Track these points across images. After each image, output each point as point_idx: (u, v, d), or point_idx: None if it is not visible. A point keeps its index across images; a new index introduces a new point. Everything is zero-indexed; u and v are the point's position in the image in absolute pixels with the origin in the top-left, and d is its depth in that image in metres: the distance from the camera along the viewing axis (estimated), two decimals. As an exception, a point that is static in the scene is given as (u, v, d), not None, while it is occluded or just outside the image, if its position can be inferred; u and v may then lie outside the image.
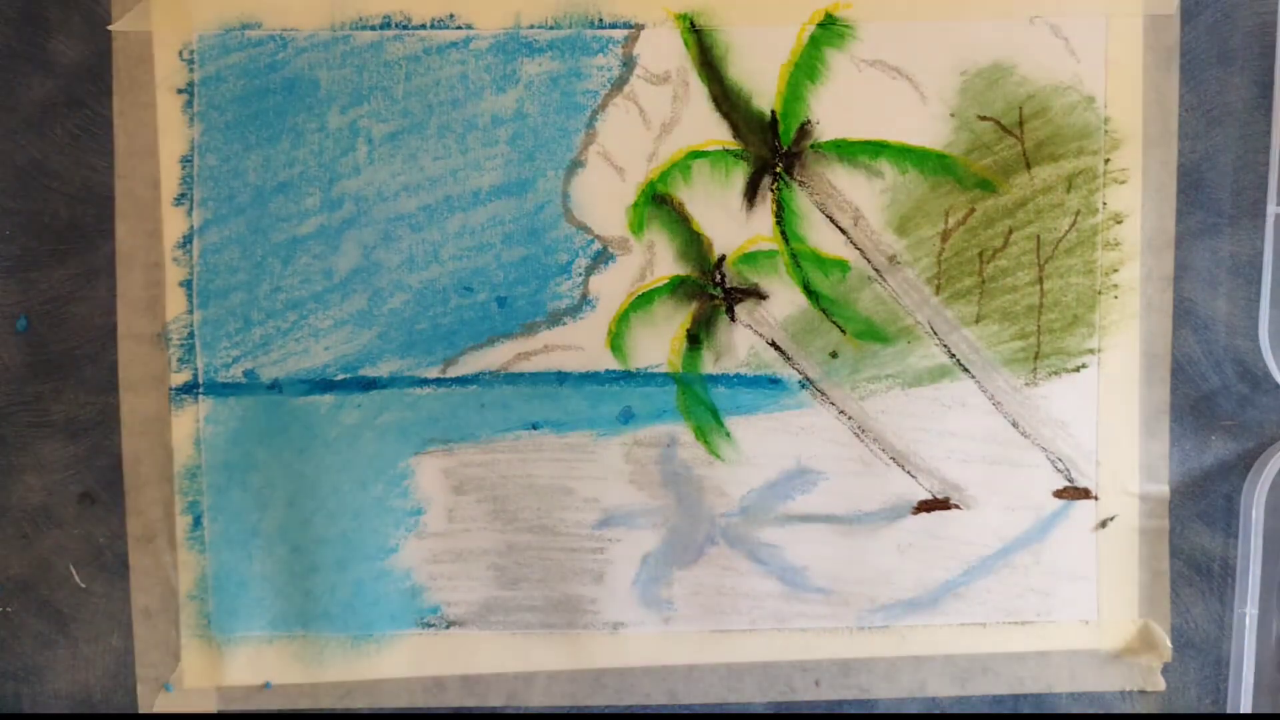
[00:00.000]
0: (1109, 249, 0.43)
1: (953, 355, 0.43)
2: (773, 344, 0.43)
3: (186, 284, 0.42)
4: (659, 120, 0.42)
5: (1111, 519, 0.43)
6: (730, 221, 0.43)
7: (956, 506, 0.43)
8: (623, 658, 0.43)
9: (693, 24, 0.42)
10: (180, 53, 0.42)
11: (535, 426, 0.43)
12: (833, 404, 0.43)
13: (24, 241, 0.43)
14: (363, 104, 0.42)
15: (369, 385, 0.43)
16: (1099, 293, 0.43)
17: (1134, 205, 0.43)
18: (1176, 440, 0.44)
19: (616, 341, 0.43)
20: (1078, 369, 0.43)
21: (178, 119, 0.42)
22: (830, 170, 0.42)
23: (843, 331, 0.43)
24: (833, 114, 0.42)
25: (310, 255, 0.42)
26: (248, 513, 0.43)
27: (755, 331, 0.43)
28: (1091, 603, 0.44)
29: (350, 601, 0.43)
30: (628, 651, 0.43)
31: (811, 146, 0.42)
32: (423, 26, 0.42)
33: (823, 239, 0.43)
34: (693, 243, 0.43)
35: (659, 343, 0.43)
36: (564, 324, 0.43)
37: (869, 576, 0.44)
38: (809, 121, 0.42)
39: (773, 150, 0.42)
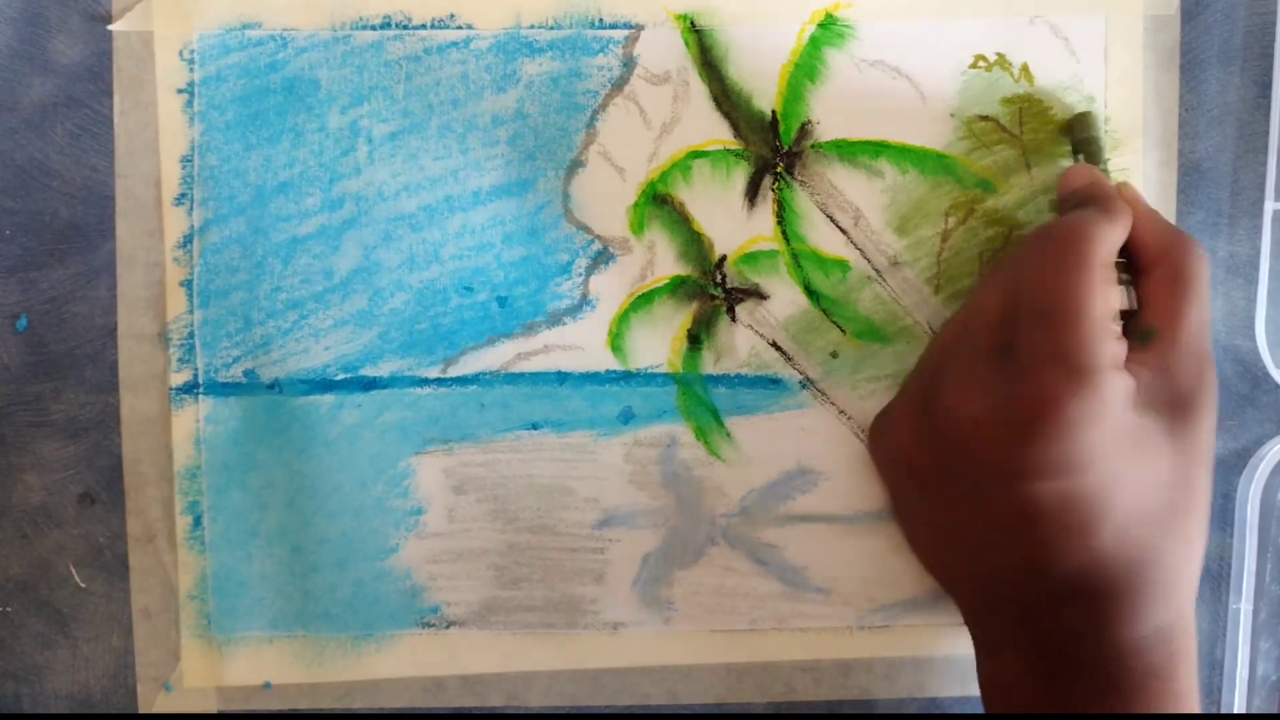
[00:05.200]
0: (1109, 249, 0.43)
1: (953, 355, 0.43)
2: (774, 344, 0.43)
3: (187, 284, 0.42)
4: (659, 120, 0.42)
5: None
6: (731, 221, 0.43)
7: (956, 506, 0.43)
8: (622, 658, 0.43)
9: (693, 24, 0.42)
10: (181, 52, 0.42)
11: (535, 426, 0.43)
12: (833, 404, 0.43)
13: (24, 241, 0.43)
14: (363, 104, 0.42)
15: (369, 385, 0.43)
16: (1099, 293, 0.43)
17: (1134, 205, 0.43)
18: (1176, 440, 0.44)
19: (617, 341, 0.43)
20: (1078, 369, 0.43)
21: (178, 119, 0.42)
22: (831, 170, 0.42)
23: (843, 331, 0.43)
24: (833, 114, 0.42)
25: (311, 255, 0.42)
26: (248, 513, 0.43)
27: (756, 332, 0.43)
28: (1091, 602, 0.44)
29: (350, 601, 0.43)
30: (627, 651, 0.43)
31: (812, 146, 0.42)
32: (423, 26, 0.42)
33: (823, 239, 0.43)
34: (693, 243, 0.43)
35: (659, 343, 0.43)
36: (564, 324, 0.43)
37: (869, 576, 0.44)
38: (809, 121, 0.42)
39: (773, 150, 0.42)
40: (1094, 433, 0.34)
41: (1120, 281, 0.38)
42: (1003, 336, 0.37)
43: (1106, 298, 0.35)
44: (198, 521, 0.43)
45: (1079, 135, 0.42)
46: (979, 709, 0.44)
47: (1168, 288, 0.37)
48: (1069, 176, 0.40)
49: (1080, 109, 0.42)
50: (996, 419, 0.36)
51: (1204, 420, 0.37)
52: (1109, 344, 0.35)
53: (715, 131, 0.43)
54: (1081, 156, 0.41)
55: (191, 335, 0.43)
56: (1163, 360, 0.37)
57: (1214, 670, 0.44)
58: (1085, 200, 0.39)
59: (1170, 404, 0.36)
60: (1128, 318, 0.38)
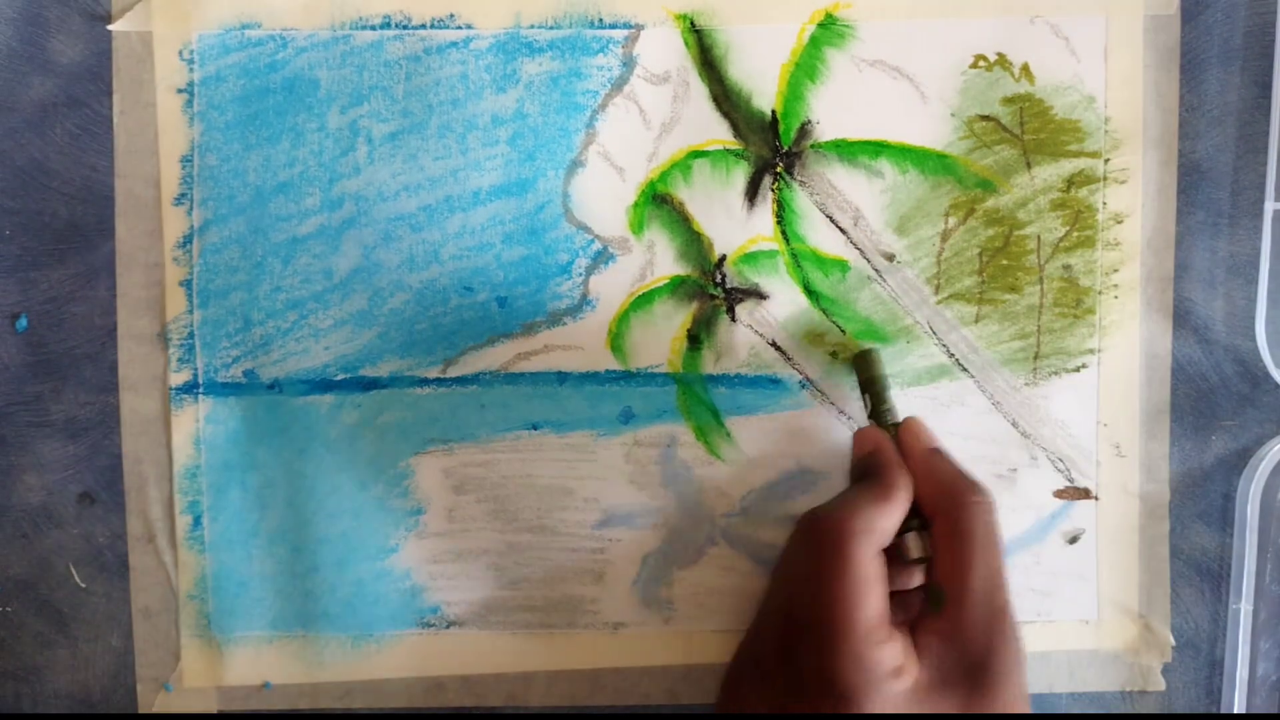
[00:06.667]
0: (1109, 249, 0.43)
1: (952, 355, 0.43)
2: (773, 344, 0.43)
3: (186, 284, 0.42)
4: (659, 120, 0.42)
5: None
6: (731, 221, 0.43)
7: (956, 506, 0.43)
8: (623, 658, 0.43)
9: (693, 24, 0.42)
10: (180, 52, 0.42)
11: (535, 426, 0.43)
12: (833, 404, 0.43)
13: (24, 241, 0.43)
14: (363, 104, 0.42)
15: (369, 385, 0.43)
16: (1099, 293, 0.43)
17: (1134, 205, 0.43)
18: (1176, 440, 0.44)
19: (617, 341, 0.43)
20: (1078, 369, 0.43)
21: (178, 119, 0.42)
22: (830, 170, 0.42)
23: (843, 331, 0.43)
24: (833, 114, 0.42)
25: (310, 255, 0.42)
26: (248, 513, 0.43)
27: (756, 331, 0.43)
28: (1091, 603, 0.44)
29: (350, 601, 0.43)
30: (627, 652, 0.43)
31: (812, 146, 0.42)
32: (423, 26, 0.42)
33: (823, 239, 0.43)
34: (693, 243, 0.43)
35: (659, 343, 0.43)
36: (564, 324, 0.43)
37: (869, 576, 0.44)
38: (809, 121, 0.42)
39: (773, 150, 0.42)
40: None
41: (913, 529, 0.37)
42: (786, 640, 0.36)
43: (874, 600, 0.34)
44: (198, 521, 0.43)
45: (862, 375, 0.41)
46: (979, 709, 0.44)
47: (951, 543, 0.36)
48: (858, 441, 0.40)
49: (864, 346, 0.42)
50: None
51: (1004, 683, 0.35)
52: (878, 653, 0.34)
53: (715, 131, 0.42)
54: (868, 396, 0.41)
55: (191, 335, 0.43)
56: (953, 626, 0.35)
57: (1214, 670, 0.44)
58: (865, 472, 0.38)
59: (966, 673, 0.35)
60: (926, 561, 0.37)
